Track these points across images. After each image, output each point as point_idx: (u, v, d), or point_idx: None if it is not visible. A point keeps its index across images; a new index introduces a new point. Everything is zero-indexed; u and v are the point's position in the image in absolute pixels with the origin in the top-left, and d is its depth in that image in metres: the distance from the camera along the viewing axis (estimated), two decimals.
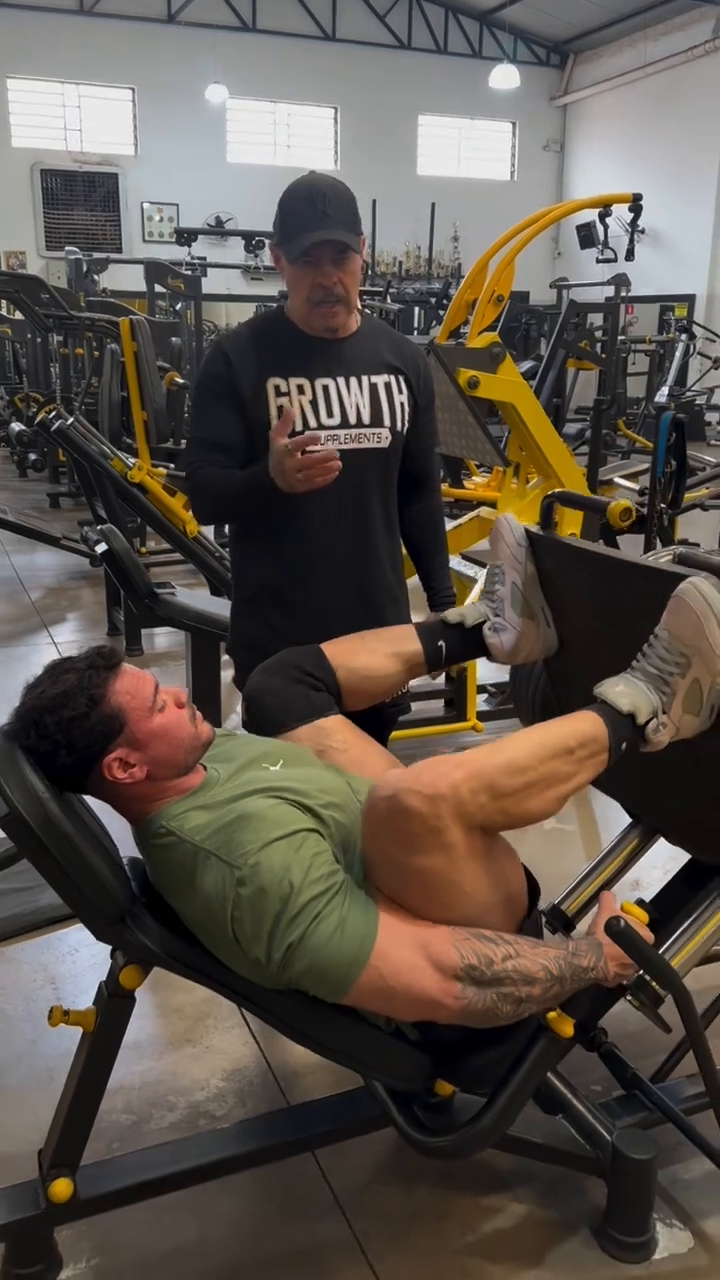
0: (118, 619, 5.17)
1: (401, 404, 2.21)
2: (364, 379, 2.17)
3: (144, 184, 15.94)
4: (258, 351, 2.14)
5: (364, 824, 1.48)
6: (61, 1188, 1.64)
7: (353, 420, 2.15)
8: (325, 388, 2.13)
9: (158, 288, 11.50)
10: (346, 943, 1.44)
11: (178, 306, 11.73)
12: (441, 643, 1.97)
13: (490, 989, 1.49)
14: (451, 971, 1.46)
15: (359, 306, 2.20)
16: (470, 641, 1.99)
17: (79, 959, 2.59)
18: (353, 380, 2.16)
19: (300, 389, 2.11)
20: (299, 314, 2.14)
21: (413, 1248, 1.78)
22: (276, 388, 2.11)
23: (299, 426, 2.09)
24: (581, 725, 1.53)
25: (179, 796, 1.57)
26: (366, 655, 1.92)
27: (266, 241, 9.94)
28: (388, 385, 2.19)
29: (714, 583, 1.53)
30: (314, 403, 2.12)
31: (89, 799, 1.65)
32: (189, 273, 11.27)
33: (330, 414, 2.13)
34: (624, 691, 1.56)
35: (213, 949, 1.53)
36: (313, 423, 2.12)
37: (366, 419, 2.16)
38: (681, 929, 1.76)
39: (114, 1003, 1.63)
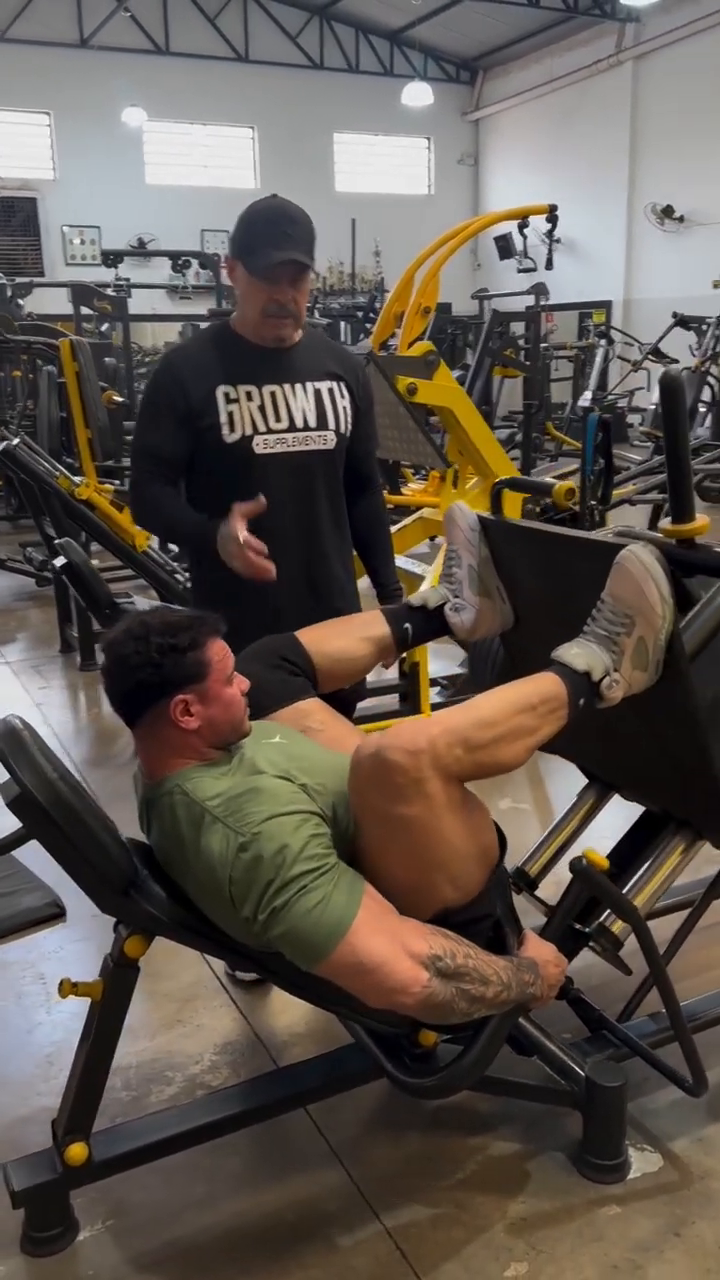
0: (70, 635, 5.23)
1: (344, 408, 2.36)
2: (308, 385, 2.31)
3: (64, 207, 15.91)
4: (207, 362, 2.27)
5: (350, 782, 1.63)
6: (77, 1151, 1.74)
7: (299, 424, 2.29)
8: (272, 394, 2.27)
9: (84, 310, 11.53)
10: (326, 917, 1.55)
11: (104, 328, 11.77)
12: (407, 625, 2.10)
13: (452, 982, 1.61)
14: (420, 958, 1.58)
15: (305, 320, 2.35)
16: (433, 622, 2.12)
17: (64, 956, 2.67)
18: (298, 386, 2.30)
19: (248, 395, 2.25)
20: (249, 324, 2.28)
21: (408, 1188, 1.91)
22: (226, 395, 2.25)
23: (248, 431, 2.24)
24: (543, 685, 1.69)
25: (197, 763, 1.70)
26: (339, 640, 2.05)
27: (221, 254, 10.00)
28: (330, 391, 2.34)
29: (650, 550, 1.70)
30: (261, 408, 2.26)
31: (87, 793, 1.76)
32: (115, 294, 11.33)
33: (278, 419, 2.27)
34: (579, 654, 1.72)
35: (205, 904, 1.65)
36: (261, 427, 2.25)
37: (312, 422, 2.31)
38: (640, 872, 1.93)
39: (119, 972, 1.74)
